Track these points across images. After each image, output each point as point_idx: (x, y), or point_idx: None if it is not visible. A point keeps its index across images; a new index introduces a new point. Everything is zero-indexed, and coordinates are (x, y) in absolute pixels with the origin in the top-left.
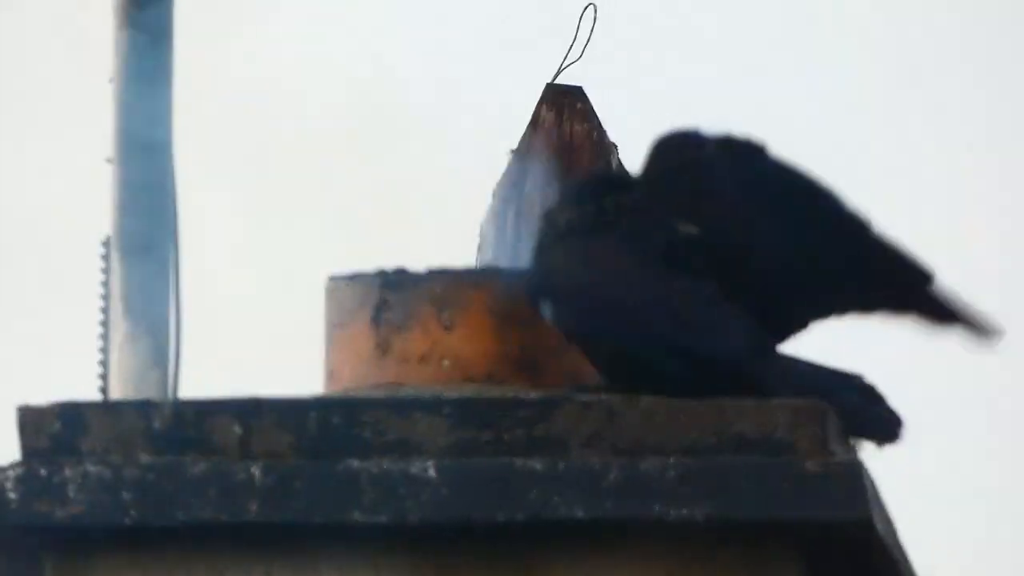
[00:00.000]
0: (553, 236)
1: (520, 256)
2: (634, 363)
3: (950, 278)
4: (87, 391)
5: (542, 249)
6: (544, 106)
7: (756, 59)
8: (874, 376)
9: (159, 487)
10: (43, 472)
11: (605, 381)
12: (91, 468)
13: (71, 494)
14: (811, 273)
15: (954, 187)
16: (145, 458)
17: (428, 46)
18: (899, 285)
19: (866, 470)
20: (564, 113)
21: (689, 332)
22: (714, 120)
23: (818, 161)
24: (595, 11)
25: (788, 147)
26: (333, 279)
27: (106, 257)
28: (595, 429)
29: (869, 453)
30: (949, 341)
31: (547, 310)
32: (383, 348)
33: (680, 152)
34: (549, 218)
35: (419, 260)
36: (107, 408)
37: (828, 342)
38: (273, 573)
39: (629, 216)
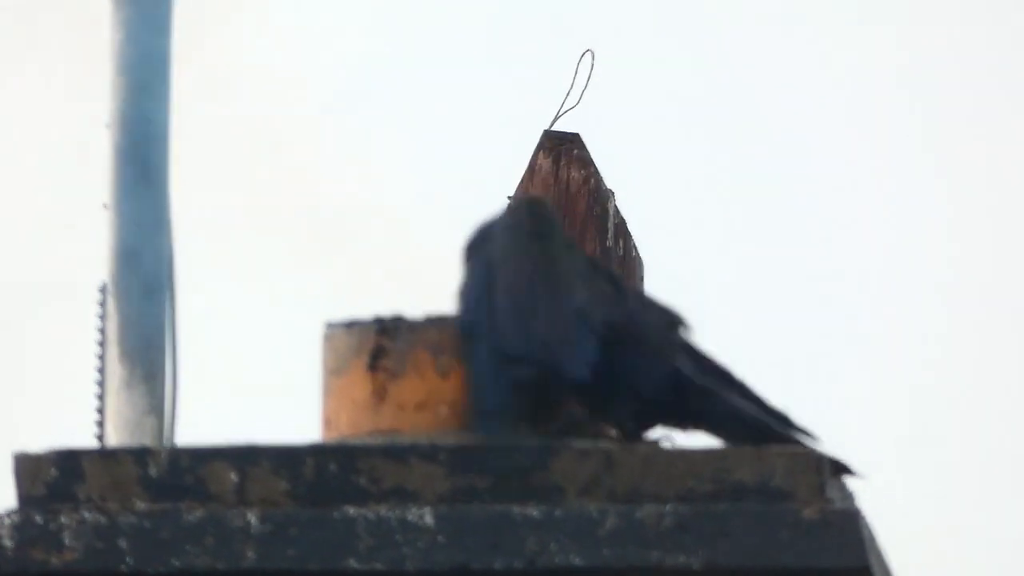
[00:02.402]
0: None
1: None
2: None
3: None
4: (84, 438)
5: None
6: (541, 152)
7: (752, 105)
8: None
9: (155, 534)
10: (39, 519)
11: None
12: (87, 515)
13: (67, 541)
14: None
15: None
16: (141, 505)
17: (426, 90)
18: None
19: (864, 518)
20: (561, 159)
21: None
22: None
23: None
24: (592, 58)
25: (792, 190)
26: (330, 326)
27: (103, 303)
28: (592, 476)
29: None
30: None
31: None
32: (380, 395)
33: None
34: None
35: (416, 307)
36: (103, 455)
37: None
38: None
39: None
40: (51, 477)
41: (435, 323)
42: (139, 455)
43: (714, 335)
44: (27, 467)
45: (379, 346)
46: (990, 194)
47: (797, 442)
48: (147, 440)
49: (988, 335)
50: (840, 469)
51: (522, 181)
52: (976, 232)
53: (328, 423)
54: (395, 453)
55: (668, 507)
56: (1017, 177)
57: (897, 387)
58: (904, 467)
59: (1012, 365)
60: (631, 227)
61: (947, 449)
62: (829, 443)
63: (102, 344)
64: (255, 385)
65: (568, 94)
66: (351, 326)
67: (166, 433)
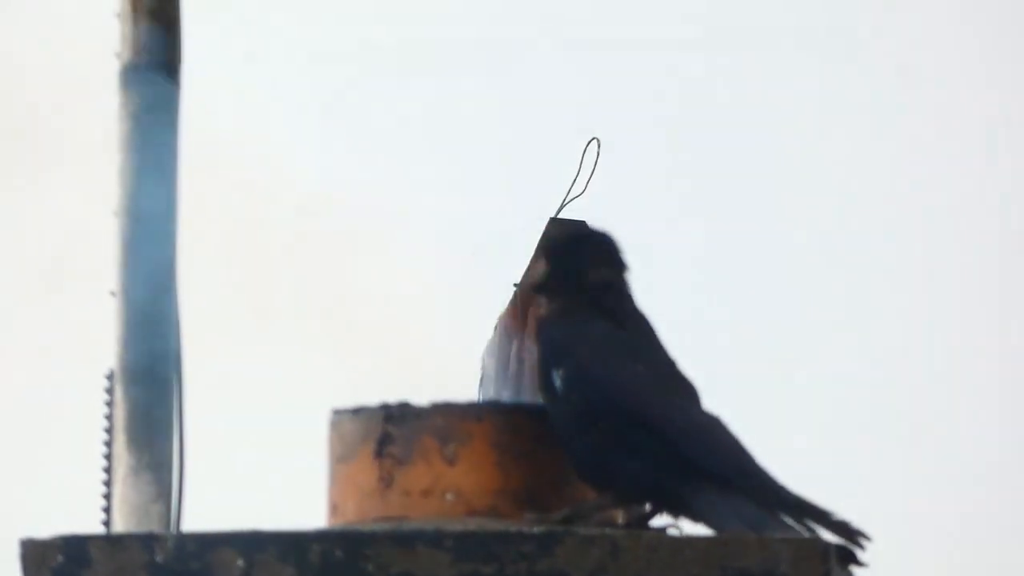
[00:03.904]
0: (556, 312)
1: (522, 389)
2: (627, 441)
3: None
4: (90, 524)
5: (549, 325)
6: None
7: (760, 190)
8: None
9: None
10: None
11: (598, 455)
12: None
13: None
14: None
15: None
16: None
17: (433, 178)
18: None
19: None
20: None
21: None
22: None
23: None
24: (599, 146)
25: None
26: (337, 412)
27: (110, 390)
28: (598, 563)
29: None
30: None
31: (557, 379)
32: (386, 481)
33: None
34: (545, 290)
35: (422, 394)
36: (110, 541)
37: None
38: None
39: (612, 298)
40: (58, 563)
41: (441, 410)
42: (146, 541)
43: (726, 414)
44: (34, 553)
45: (385, 433)
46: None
47: (806, 530)
48: (154, 526)
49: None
50: (845, 557)
51: (528, 268)
52: None
53: (334, 509)
54: (402, 539)
55: None
56: None
57: (908, 473)
58: (909, 554)
59: None
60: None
61: (955, 533)
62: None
63: (109, 431)
64: (261, 472)
65: (574, 181)
66: (357, 413)
67: (173, 520)
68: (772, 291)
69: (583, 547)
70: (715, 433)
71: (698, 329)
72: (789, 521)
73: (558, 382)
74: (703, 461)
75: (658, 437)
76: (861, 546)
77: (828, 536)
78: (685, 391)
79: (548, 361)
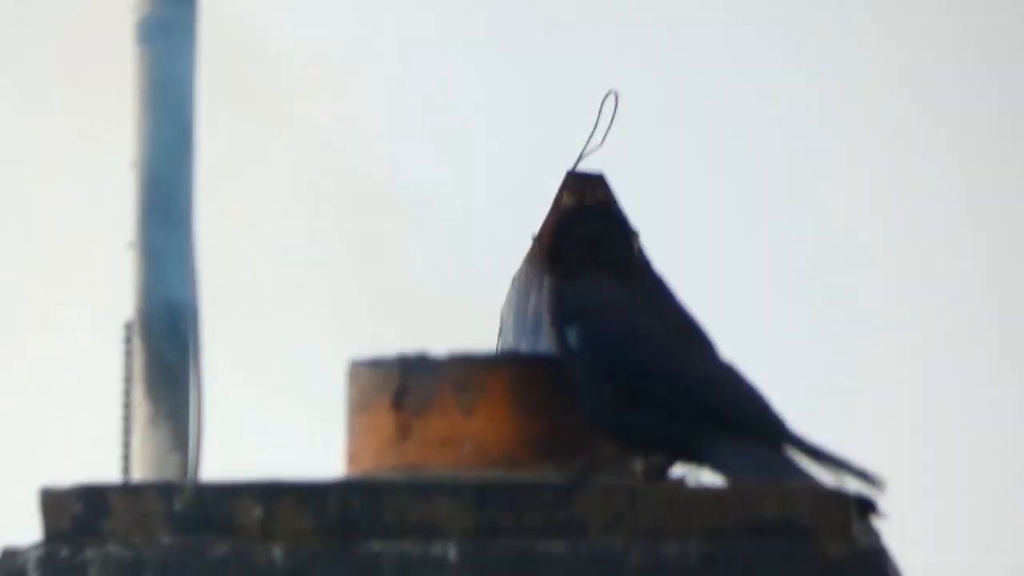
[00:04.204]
0: (578, 265)
1: (540, 341)
2: (643, 395)
3: None
4: (109, 474)
5: (570, 277)
6: (565, 193)
7: (779, 144)
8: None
9: (181, 568)
10: (65, 553)
11: (615, 410)
12: (113, 549)
13: (93, 575)
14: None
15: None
16: (166, 539)
17: (449, 131)
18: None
19: (889, 555)
20: (585, 199)
21: (702, 386)
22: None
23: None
24: (616, 98)
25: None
26: (354, 363)
27: (128, 340)
28: (616, 512)
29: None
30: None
31: (572, 336)
32: (404, 432)
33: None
34: (572, 246)
35: (440, 345)
36: (129, 490)
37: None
38: None
39: (621, 258)
40: (77, 512)
41: (458, 361)
42: (165, 490)
43: (747, 364)
44: (53, 502)
45: (403, 384)
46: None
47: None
48: (172, 475)
49: None
50: (866, 507)
51: (546, 220)
52: None
53: (353, 459)
54: (420, 489)
55: (692, 543)
56: None
57: (925, 420)
58: (930, 504)
59: None
60: (656, 266)
61: (977, 483)
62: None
63: (127, 381)
64: (280, 422)
65: (592, 134)
66: (375, 363)
67: (191, 469)
68: (799, 245)
69: (601, 497)
70: (730, 382)
71: (721, 282)
72: (807, 470)
73: (572, 339)
74: (718, 411)
75: (672, 389)
76: (880, 495)
77: (848, 485)
78: (699, 343)
79: (562, 319)
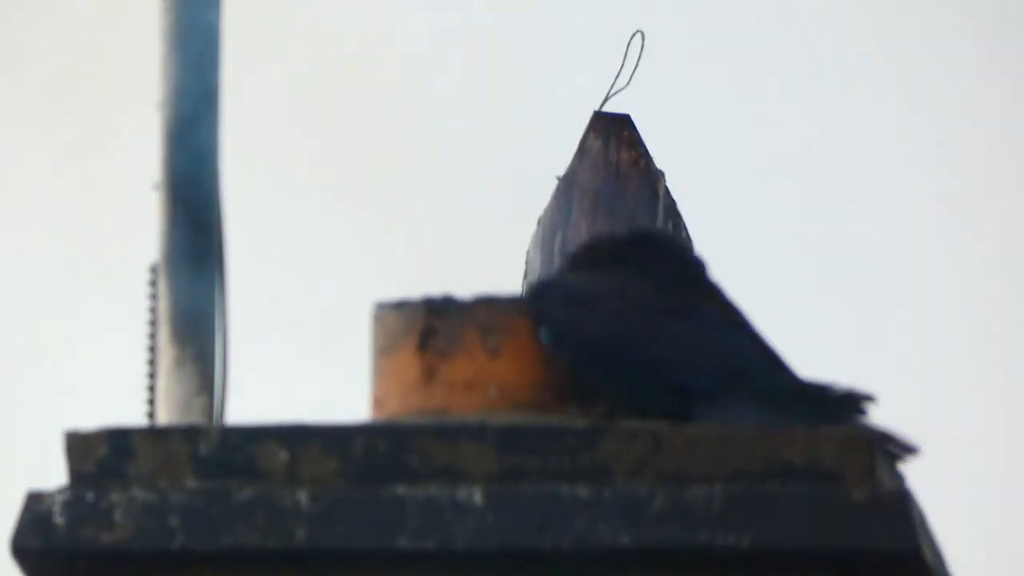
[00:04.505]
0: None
1: None
2: (618, 394)
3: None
4: (134, 417)
5: (529, 289)
6: (591, 134)
7: (808, 84)
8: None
9: (205, 512)
10: (90, 497)
11: (600, 389)
12: (138, 493)
13: (118, 519)
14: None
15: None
16: (192, 483)
17: (475, 74)
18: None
19: (914, 499)
20: (611, 141)
21: (672, 368)
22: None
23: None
24: (643, 39)
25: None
26: (379, 306)
27: (153, 283)
28: (641, 456)
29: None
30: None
31: (544, 335)
32: (429, 375)
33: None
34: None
35: (465, 288)
36: (154, 433)
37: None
38: None
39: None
40: (102, 455)
41: (484, 303)
42: (190, 433)
43: (763, 317)
44: (78, 445)
45: (428, 326)
46: None
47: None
48: (197, 419)
49: None
50: (891, 450)
51: (572, 162)
52: None
53: (378, 403)
54: (445, 433)
55: (717, 487)
56: None
57: (951, 367)
58: (957, 448)
59: None
60: (681, 208)
61: (1004, 428)
62: (883, 417)
63: (153, 324)
64: (305, 365)
65: (618, 75)
66: (400, 306)
67: (216, 412)
68: (818, 187)
69: (626, 441)
70: (717, 345)
71: (741, 229)
72: (815, 415)
73: (544, 338)
74: (706, 379)
75: (656, 365)
76: (907, 436)
77: (873, 427)
78: (687, 309)
79: (535, 319)
